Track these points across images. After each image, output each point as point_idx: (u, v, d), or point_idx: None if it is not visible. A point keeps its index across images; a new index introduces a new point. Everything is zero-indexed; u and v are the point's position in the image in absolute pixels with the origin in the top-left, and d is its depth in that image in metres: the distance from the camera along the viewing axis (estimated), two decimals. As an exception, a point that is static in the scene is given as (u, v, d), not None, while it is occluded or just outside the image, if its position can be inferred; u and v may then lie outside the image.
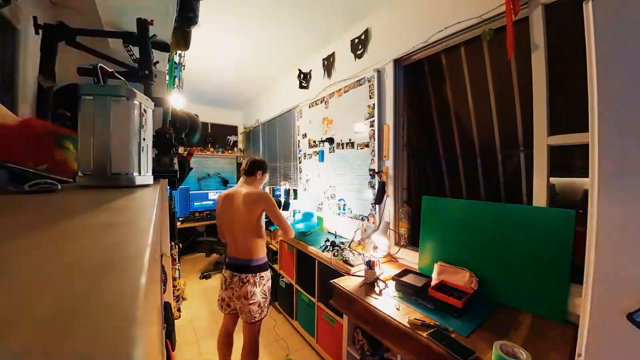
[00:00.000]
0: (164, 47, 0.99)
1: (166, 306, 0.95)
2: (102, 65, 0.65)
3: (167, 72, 1.42)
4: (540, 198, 1.20)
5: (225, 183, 4.88)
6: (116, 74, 0.70)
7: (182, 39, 1.28)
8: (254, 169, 1.79)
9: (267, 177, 1.88)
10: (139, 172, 0.69)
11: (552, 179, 1.20)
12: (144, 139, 0.71)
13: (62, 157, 0.66)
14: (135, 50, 0.89)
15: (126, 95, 0.65)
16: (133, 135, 0.67)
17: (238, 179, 5.75)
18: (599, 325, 0.49)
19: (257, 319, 1.64)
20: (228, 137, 5.15)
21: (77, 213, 0.38)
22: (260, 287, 1.65)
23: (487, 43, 1.45)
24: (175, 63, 1.68)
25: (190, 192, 4.22)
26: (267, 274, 1.72)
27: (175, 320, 1.30)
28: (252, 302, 1.61)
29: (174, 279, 1.38)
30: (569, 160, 1.22)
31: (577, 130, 1.09)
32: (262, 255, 1.69)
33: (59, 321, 0.11)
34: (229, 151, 5.07)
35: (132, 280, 0.16)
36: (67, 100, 0.85)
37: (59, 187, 0.55)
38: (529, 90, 1.24)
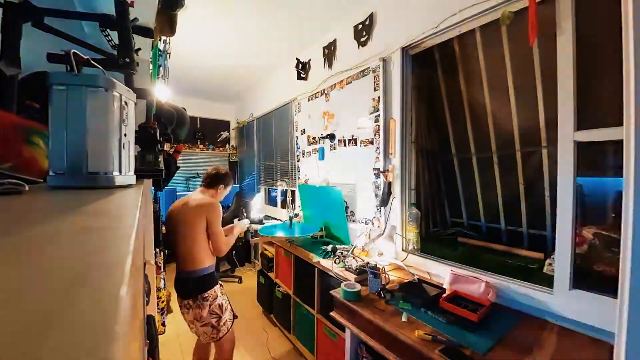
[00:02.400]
0: (146, 32, 0.97)
1: (149, 320, 0.93)
2: (75, 51, 0.64)
3: (150, 60, 1.41)
4: (565, 200, 1.19)
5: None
6: (92, 62, 0.69)
7: (167, 23, 1.27)
8: (215, 182, 1.85)
9: (228, 190, 1.96)
10: (120, 172, 0.68)
11: (579, 179, 1.19)
12: (125, 135, 0.70)
13: (30, 154, 0.64)
14: (114, 36, 0.88)
15: (104, 85, 0.63)
16: (113, 130, 0.66)
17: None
18: (638, 343, 0.48)
19: (217, 338, 1.68)
20: (219, 133, 5.14)
21: (48, 217, 0.37)
22: (206, 308, 1.65)
23: (506, 28, 1.44)
24: (159, 50, 1.66)
25: (178, 193, 4.21)
26: (212, 292, 1.69)
27: (160, 336, 1.29)
28: (203, 323, 1.65)
29: (159, 289, 1.37)
30: (599, 158, 1.21)
31: (609, 124, 1.07)
32: (201, 265, 1.68)
33: (25, 341, 0.11)
34: (221, 148, 5.06)
35: (110, 292, 0.16)
36: (35, 90, 0.83)
37: (26, 187, 0.53)
38: (553, 80, 1.22)
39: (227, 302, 1.77)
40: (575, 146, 1.16)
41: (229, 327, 1.72)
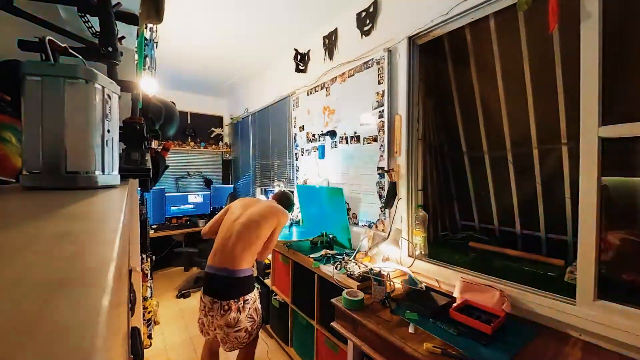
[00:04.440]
0: (130, 18, 0.96)
1: (134, 332, 0.92)
2: (51, 38, 0.63)
3: (135, 50, 1.39)
4: (588, 202, 1.18)
5: (208, 184, 4.86)
6: (70, 50, 0.68)
7: (153, 8, 1.25)
8: (283, 204, 2.02)
9: (288, 218, 1.98)
10: (102, 171, 0.68)
11: (604, 179, 1.17)
12: (108, 131, 0.70)
13: (1, 151, 0.63)
14: (95, 22, 0.86)
15: (84, 76, 0.63)
16: (94, 126, 0.66)
17: (224, 178, 5.67)
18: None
19: (247, 342, 1.70)
20: (211, 129, 5.13)
21: (21, 220, 0.37)
22: (246, 311, 1.67)
23: (523, 14, 1.42)
24: (145, 39, 1.65)
25: (166, 194, 4.20)
26: (253, 295, 1.74)
27: (145, 350, 1.28)
28: (237, 329, 1.64)
29: (145, 298, 1.36)
30: (627, 156, 1.20)
31: (639, 118, 1.05)
32: (248, 266, 1.73)
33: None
34: (213, 146, 5.05)
35: (91, 302, 0.16)
36: (5, 80, 0.83)
37: (-4, 188, 0.52)
38: (575, 70, 1.21)
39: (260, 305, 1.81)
40: (600, 143, 1.14)
41: (257, 333, 1.76)
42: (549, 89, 1.39)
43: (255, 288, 1.78)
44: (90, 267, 0.21)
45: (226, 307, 1.62)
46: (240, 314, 1.64)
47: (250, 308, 1.69)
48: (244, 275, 1.68)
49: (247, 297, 1.68)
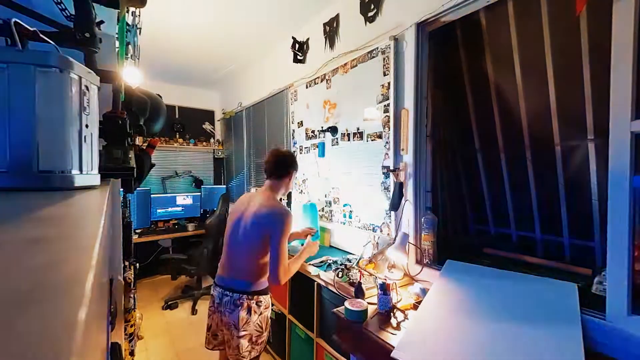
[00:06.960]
0: (110, 1, 0.94)
1: (114, 349, 0.91)
2: (17, 20, 0.61)
3: (116, 36, 1.38)
4: (619, 204, 1.16)
5: (198, 184, 4.85)
6: (41, 35, 0.66)
7: (136, -9, 1.24)
8: (286, 168, 1.78)
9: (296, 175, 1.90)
10: (80, 170, 0.67)
11: (638, 179, 1.15)
12: (86, 126, 0.69)
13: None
14: (69, 4, 0.84)
15: (58, 65, 0.61)
16: (70, 120, 0.64)
17: (215, 178, 5.57)
18: None
19: (247, 358, 1.63)
20: (202, 124, 5.12)
21: None
22: (256, 315, 1.64)
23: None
24: (127, 24, 1.64)
25: (152, 195, 4.19)
26: (267, 300, 1.71)
27: (129, 367, 1.27)
28: (242, 333, 1.59)
29: (127, 310, 1.35)
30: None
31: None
32: (263, 279, 1.69)
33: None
34: (203, 143, 5.05)
35: (65, 316, 0.16)
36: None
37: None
38: (605, 58, 1.19)
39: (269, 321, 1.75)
40: (633, 138, 1.13)
41: (261, 351, 1.70)
42: (574, 79, 1.37)
43: (269, 295, 1.74)
44: (66, 277, 0.21)
45: (238, 302, 1.60)
46: (251, 315, 1.61)
47: (261, 313, 1.66)
48: (261, 288, 1.67)
49: (261, 298, 1.65)
